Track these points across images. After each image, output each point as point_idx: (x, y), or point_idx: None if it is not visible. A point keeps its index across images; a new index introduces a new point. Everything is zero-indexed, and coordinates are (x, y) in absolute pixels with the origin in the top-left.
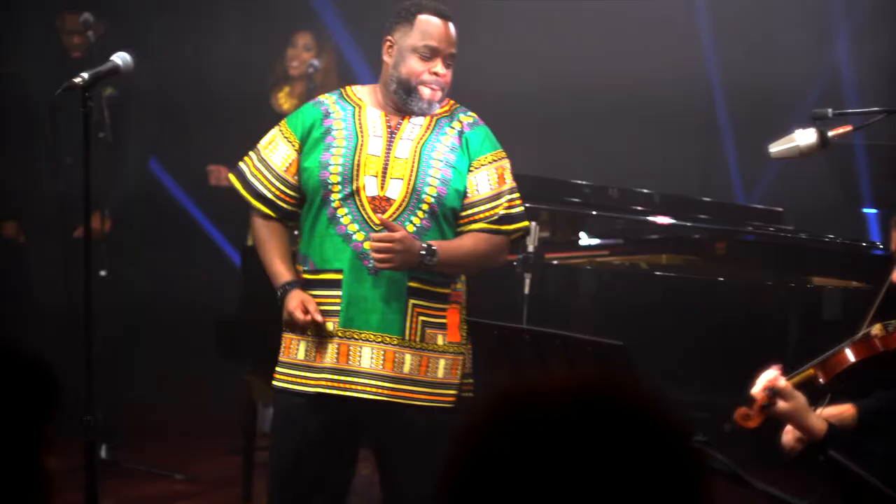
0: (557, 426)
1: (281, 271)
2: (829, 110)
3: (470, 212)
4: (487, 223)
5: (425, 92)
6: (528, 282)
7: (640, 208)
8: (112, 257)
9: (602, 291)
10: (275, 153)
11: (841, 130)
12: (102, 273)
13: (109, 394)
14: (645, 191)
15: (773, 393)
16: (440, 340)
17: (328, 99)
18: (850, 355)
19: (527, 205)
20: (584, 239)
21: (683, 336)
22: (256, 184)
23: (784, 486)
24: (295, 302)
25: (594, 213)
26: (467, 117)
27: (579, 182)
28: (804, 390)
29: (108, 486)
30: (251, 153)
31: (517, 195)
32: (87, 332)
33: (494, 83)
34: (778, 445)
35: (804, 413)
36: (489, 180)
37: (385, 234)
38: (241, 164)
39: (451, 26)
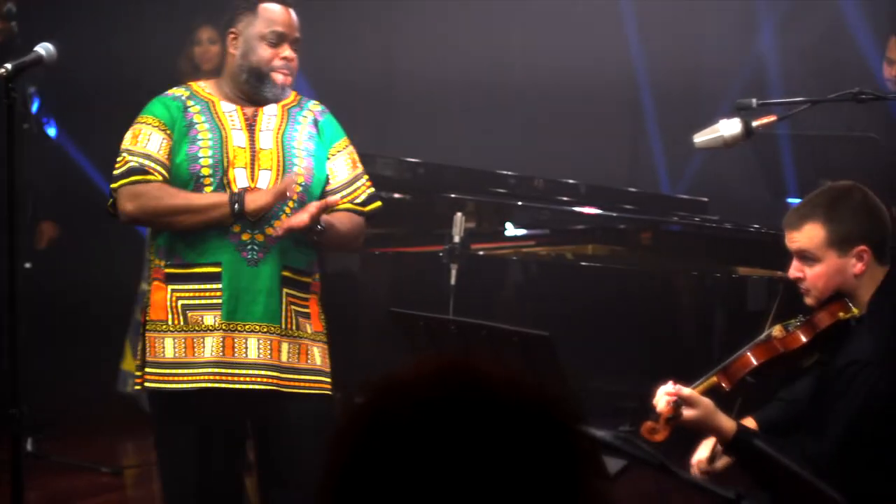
0: (430, 417)
1: (214, 195)
2: (754, 100)
3: (334, 197)
4: (353, 205)
5: (278, 77)
6: (454, 273)
7: (565, 199)
8: (36, 250)
9: (528, 282)
10: (149, 143)
11: (765, 120)
12: (27, 265)
13: (35, 387)
14: (570, 181)
15: (679, 403)
16: (309, 329)
17: (181, 93)
18: (752, 358)
19: (453, 195)
20: (510, 230)
21: (609, 326)
22: (137, 167)
23: (709, 476)
24: (263, 192)
25: (520, 203)
26: (315, 106)
27: (505, 173)
28: (711, 398)
29: (35, 479)
30: (121, 158)
31: (367, 177)
32: (11, 325)
33: (419, 72)
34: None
35: (712, 416)
36: (346, 166)
37: (322, 203)
38: (116, 172)
39: (293, 12)
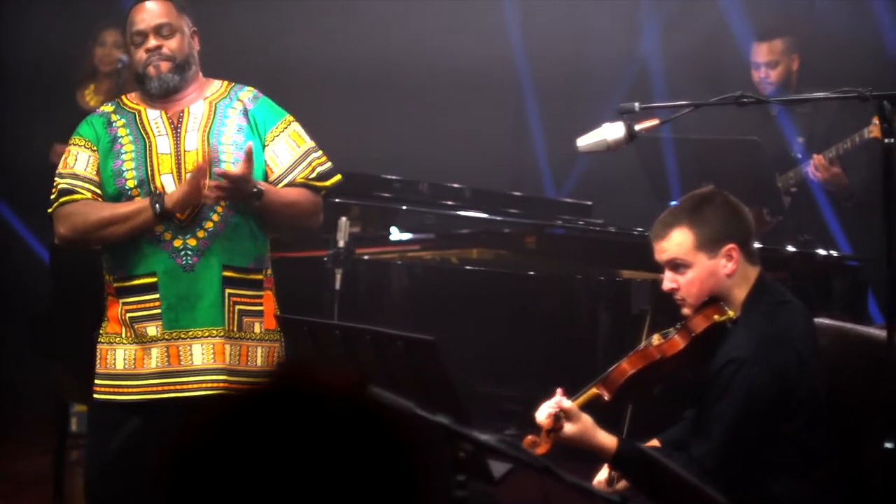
0: (256, 420)
1: (136, 202)
2: (636, 104)
3: (284, 181)
4: (308, 180)
5: (151, 70)
6: (339, 277)
7: (450, 203)
8: None
9: (413, 286)
10: (76, 162)
11: (648, 124)
12: None
13: None
14: (455, 185)
15: (559, 416)
16: (257, 328)
17: (107, 109)
18: (628, 367)
19: (337, 200)
20: (396, 234)
21: (495, 330)
22: (66, 188)
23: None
24: (177, 190)
25: (405, 207)
26: (246, 93)
27: (390, 177)
28: (593, 412)
29: None
30: (54, 184)
31: (321, 151)
32: None
33: (299, 58)
34: None
35: (592, 433)
36: (287, 147)
37: (233, 172)
38: (51, 198)
39: (154, 2)
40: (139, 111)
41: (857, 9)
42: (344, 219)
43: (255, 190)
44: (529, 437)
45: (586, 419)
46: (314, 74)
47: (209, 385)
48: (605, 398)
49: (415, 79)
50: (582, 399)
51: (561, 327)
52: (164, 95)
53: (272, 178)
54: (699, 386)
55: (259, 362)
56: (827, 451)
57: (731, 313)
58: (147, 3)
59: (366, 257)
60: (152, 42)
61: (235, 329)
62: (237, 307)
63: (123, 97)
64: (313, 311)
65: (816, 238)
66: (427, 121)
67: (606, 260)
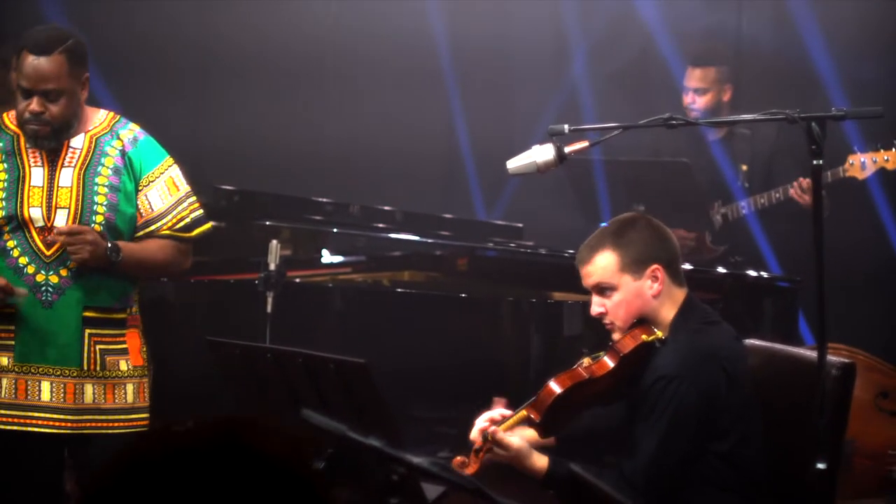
0: (182, 465)
1: None
2: (566, 126)
3: (151, 228)
4: (173, 231)
5: (29, 131)
6: (270, 300)
7: (381, 225)
8: None
9: (345, 309)
10: None
11: (577, 146)
12: None
13: None
14: (386, 208)
15: (487, 436)
16: (123, 366)
17: None
18: (556, 387)
19: (268, 223)
20: (327, 256)
21: (427, 352)
22: None
23: (528, 501)
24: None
25: (336, 230)
26: (127, 132)
27: (321, 200)
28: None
29: None
30: None
31: (194, 198)
32: None
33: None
34: None
35: (525, 456)
36: (160, 195)
37: (74, 226)
38: None
39: (50, 59)
40: (18, 136)
41: (784, 31)
42: (275, 242)
43: (109, 246)
44: (458, 458)
45: (516, 447)
46: (239, 67)
47: (52, 423)
48: (535, 419)
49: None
50: (512, 421)
51: (493, 349)
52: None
53: (141, 222)
54: (629, 405)
55: (130, 399)
56: (760, 470)
57: (659, 333)
58: (41, 59)
59: (297, 280)
60: (35, 106)
61: (98, 368)
62: (98, 346)
63: (5, 115)
64: (244, 334)
65: (747, 260)
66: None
67: (538, 282)
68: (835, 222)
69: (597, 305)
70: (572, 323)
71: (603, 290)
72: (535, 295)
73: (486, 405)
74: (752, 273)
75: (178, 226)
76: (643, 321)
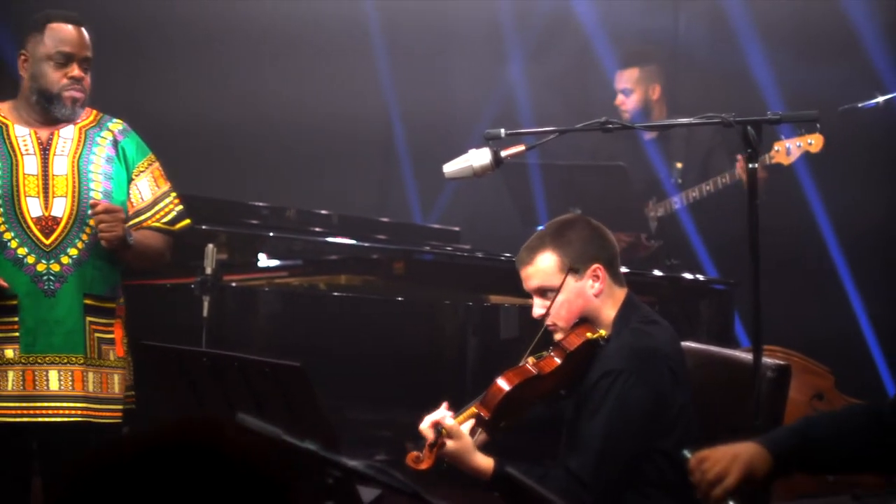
0: (146, 467)
1: None
2: (502, 130)
3: (140, 218)
4: (161, 224)
5: (67, 99)
6: (206, 304)
7: (318, 229)
8: None
9: (282, 313)
10: None
11: (513, 150)
12: None
13: None
14: (323, 212)
15: (440, 430)
16: (112, 356)
17: None
18: (504, 385)
19: (204, 227)
20: (263, 260)
21: (364, 356)
22: None
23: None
24: None
25: (272, 234)
26: (116, 125)
27: (257, 204)
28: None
29: None
30: None
31: (175, 193)
32: None
33: (182, 113)
34: None
35: (469, 454)
36: (150, 186)
37: (109, 204)
38: None
39: (84, 31)
40: (7, 125)
41: (721, 33)
42: (211, 246)
43: (129, 241)
44: (413, 453)
45: (466, 439)
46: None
47: (66, 412)
48: (484, 416)
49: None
50: (462, 418)
51: (430, 353)
52: (61, 122)
53: (132, 211)
54: (574, 404)
55: (116, 389)
56: None
57: (602, 332)
58: (80, 28)
59: (233, 284)
60: (77, 71)
61: (97, 357)
62: (96, 335)
63: None
64: (181, 338)
65: (683, 262)
66: (296, 156)
67: (474, 285)
68: (765, 212)
69: (538, 307)
70: (509, 326)
71: (544, 292)
72: (471, 298)
73: (423, 409)
74: (688, 276)
75: (165, 219)
76: (585, 321)
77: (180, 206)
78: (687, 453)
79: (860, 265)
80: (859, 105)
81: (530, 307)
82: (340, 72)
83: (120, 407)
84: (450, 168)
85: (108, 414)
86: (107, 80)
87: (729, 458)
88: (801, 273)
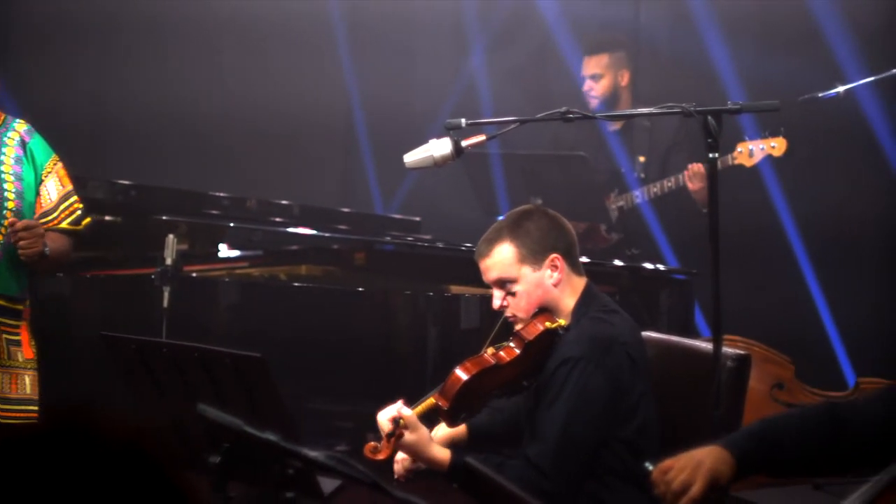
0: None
1: None
2: (463, 120)
3: (47, 219)
4: (67, 224)
5: None
6: (166, 295)
7: (279, 219)
8: None
9: (242, 303)
10: None
11: (474, 140)
12: None
13: None
14: (284, 202)
15: (398, 421)
16: (20, 357)
17: None
18: (462, 374)
19: (165, 217)
20: (224, 251)
21: (324, 346)
22: None
23: (425, 495)
24: None
25: (233, 224)
26: (21, 125)
27: (218, 194)
28: (435, 419)
29: None
30: None
31: (76, 196)
32: None
33: (143, 104)
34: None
35: (428, 445)
36: (56, 187)
37: (28, 221)
38: None
39: None
40: None
41: (681, 23)
42: (171, 236)
43: (46, 251)
44: (371, 444)
45: (423, 430)
46: (156, 114)
47: None
48: (443, 406)
49: (253, 111)
50: (421, 408)
51: (390, 343)
52: None
53: (39, 212)
54: (534, 393)
55: (28, 390)
56: (657, 461)
57: (562, 322)
58: None
59: (194, 274)
60: None
61: (6, 357)
62: (4, 335)
63: None
64: (141, 329)
65: (644, 252)
66: (259, 149)
67: (435, 276)
68: (725, 209)
69: (498, 298)
70: (469, 316)
71: (503, 283)
72: (432, 288)
73: (384, 399)
74: (649, 266)
75: (70, 219)
76: (545, 310)
77: (81, 205)
78: (649, 466)
79: (820, 255)
80: (819, 95)
81: (491, 297)
82: (302, 62)
83: (34, 408)
84: (410, 158)
85: (18, 415)
86: (70, 71)
87: (693, 465)
88: (761, 263)
